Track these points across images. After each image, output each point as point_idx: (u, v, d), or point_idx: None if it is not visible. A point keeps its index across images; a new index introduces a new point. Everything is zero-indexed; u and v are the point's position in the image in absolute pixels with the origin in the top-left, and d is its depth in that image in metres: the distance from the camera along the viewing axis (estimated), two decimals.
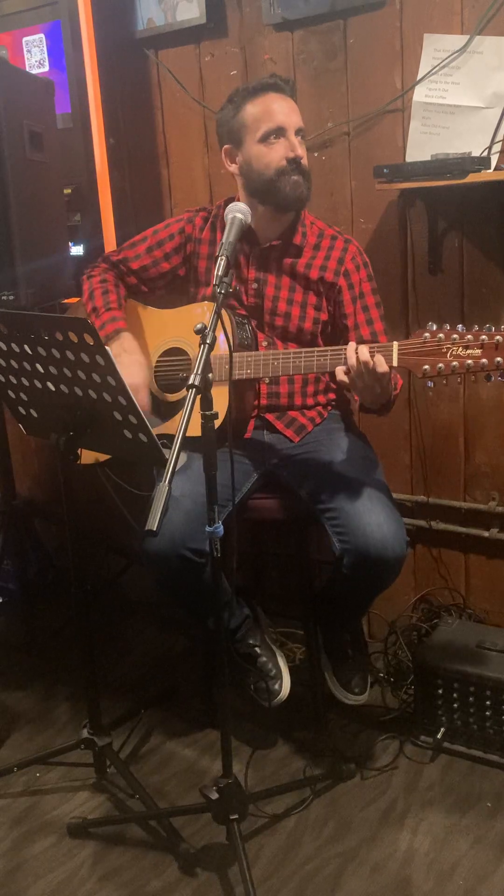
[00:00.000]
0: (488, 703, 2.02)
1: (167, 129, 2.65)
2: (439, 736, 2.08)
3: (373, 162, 2.18)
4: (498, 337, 1.59)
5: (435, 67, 2.14)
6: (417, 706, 2.15)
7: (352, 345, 1.72)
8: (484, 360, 1.61)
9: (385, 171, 2.09)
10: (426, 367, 1.65)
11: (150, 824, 1.92)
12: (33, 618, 2.71)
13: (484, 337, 1.61)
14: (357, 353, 1.69)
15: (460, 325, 1.64)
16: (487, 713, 2.03)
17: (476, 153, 2.07)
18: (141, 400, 1.97)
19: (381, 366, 1.68)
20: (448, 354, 1.64)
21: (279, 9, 2.32)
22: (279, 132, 1.94)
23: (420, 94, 2.18)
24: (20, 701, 2.45)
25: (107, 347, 1.49)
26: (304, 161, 1.96)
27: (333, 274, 2.03)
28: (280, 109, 1.94)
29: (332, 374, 1.79)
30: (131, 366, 1.99)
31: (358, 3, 2.21)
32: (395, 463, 2.47)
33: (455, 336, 1.63)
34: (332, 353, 1.79)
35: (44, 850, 1.89)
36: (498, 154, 2.10)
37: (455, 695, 2.06)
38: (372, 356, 1.68)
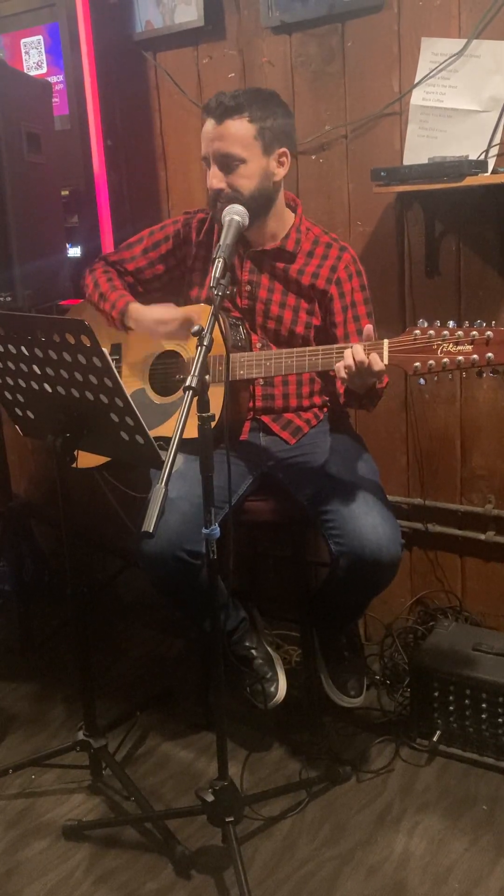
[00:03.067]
0: (484, 705, 2.02)
1: (165, 132, 2.65)
2: (435, 739, 2.08)
3: (370, 165, 2.19)
4: (488, 332, 1.59)
5: (432, 71, 2.14)
6: (413, 709, 2.15)
7: (348, 351, 1.72)
8: (475, 356, 1.61)
9: (382, 173, 2.10)
10: (417, 364, 1.65)
11: (146, 826, 1.92)
12: (29, 619, 2.70)
13: (474, 333, 1.60)
14: (353, 353, 1.69)
15: (451, 322, 1.64)
16: (483, 716, 2.03)
17: (473, 156, 2.08)
18: (175, 311, 2.01)
19: (377, 364, 1.68)
20: (439, 351, 1.64)
21: (277, 12, 2.33)
22: (206, 161, 1.93)
23: (417, 98, 2.18)
24: (16, 702, 2.45)
25: (103, 349, 1.49)
26: (230, 190, 1.89)
27: (325, 281, 2.02)
28: (204, 137, 1.92)
29: (324, 373, 1.78)
30: (155, 308, 2.05)
31: (356, 6, 2.22)
32: (392, 465, 2.47)
33: (445, 332, 1.63)
34: (323, 353, 1.79)
35: (39, 853, 1.89)
36: (495, 157, 2.11)
37: (451, 697, 2.06)
38: (367, 354, 1.69)
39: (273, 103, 1.93)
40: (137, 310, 2.06)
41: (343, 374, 1.71)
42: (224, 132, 1.89)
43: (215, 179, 1.91)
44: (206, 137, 1.92)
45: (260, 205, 1.95)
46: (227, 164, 1.90)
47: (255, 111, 1.89)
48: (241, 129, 1.88)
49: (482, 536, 2.39)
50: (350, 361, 1.69)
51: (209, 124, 1.91)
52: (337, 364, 1.72)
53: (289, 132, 1.97)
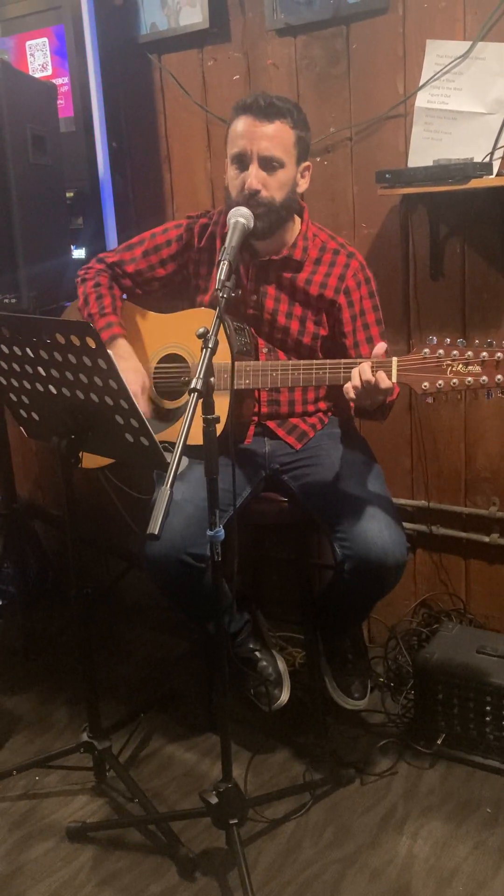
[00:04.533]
0: (488, 708, 2.02)
1: (170, 134, 2.66)
2: (439, 741, 2.08)
3: (375, 167, 2.19)
4: (498, 354, 1.58)
5: (437, 73, 2.14)
6: (417, 711, 2.15)
7: (355, 371, 1.71)
8: (484, 378, 1.60)
9: (387, 176, 2.10)
10: (425, 384, 1.65)
11: (150, 828, 1.92)
12: (32, 621, 2.70)
13: (484, 354, 1.59)
14: (360, 373, 1.69)
15: (461, 340, 1.63)
16: (487, 719, 2.03)
17: (478, 159, 2.08)
18: (141, 407, 1.97)
19: (384, 382, 1.67)
20: (448, 371, 1.63)
21: (282, 14, 2.33)
22: (241, 160, 1.89)
23: (422, 100, 2.18)
24: (19, 704, 2.45)
25: (108, 351, 1.49)
26: (267, 193, 1.88)
27: (334, 291, 2.01)
28: (247, 135, 1.87)
29: (331, 388, 1.77)
30: (127, 372, 1.99)
31: (360, 8, 2.22)
32: (396, 467, 2.47)
33: (455, 352, 1.62)
34: (330, 367, 1.79)
35: (43, 854, 1.89)
36: (500, 160, 2.10)
37: (455, 700, 2.06)
38: (374, 372, 1.68)
39: (304, 116, 1.95)
40: (117, 356, 1.96)
41: (352, 394, 1.71)
42: (273, 132, 1.87)
43: (255, 179, 1.87)
44: (248, 135, 1.87)
45: (283, 216, 1.95)
46: (268, 165, 1.88)
47: (297, 119, 1.90)
48: (285, 132, 1.89)
49: (486, 539, 2.39)
50: (357, 382, 1.68)
51: (251, 122, 1.87)
52: (345, 385, 1.72)
53: (309, 147, 1.99)
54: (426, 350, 1.64)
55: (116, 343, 2.04)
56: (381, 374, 1.67)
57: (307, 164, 1.97)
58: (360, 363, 1.70)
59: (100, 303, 2.09)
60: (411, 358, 1.66)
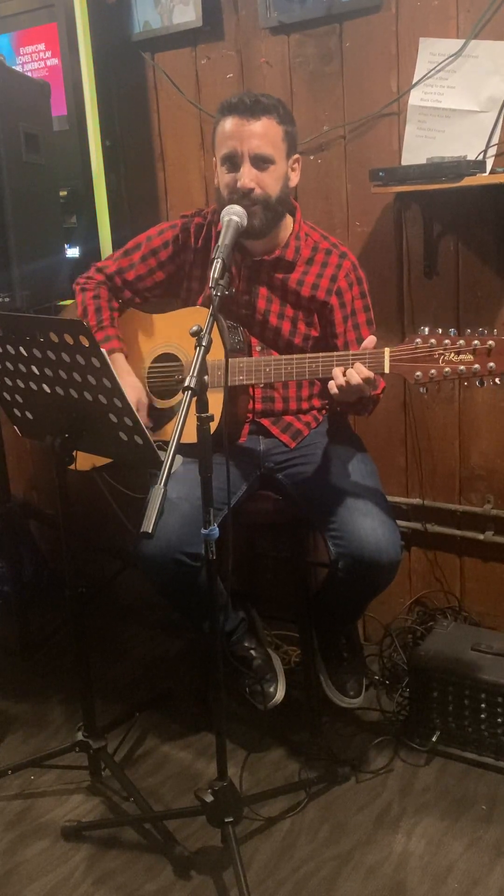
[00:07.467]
0: (483, 705, 2.02)
1: (163, 132, 2.65)
2: (434, 739, 2.08)
3: (368, 165, 2.19)
4: (490, 342, 1.59)
5: (430, 71, 2.15)
6: (412, 709, 2.15)
7: (337, 370, 1.71)
8: (476, 366, 1.61)
9: (381, 174, 2.10)
10: (418, 373, 1.65)
11: (145, 827, 1.92)
12: (28, 620, 2.70)
13: (476, 342, 1.60)
14: (357, 372, 1.68)
15: (452, 330, 1.64)
16: (482, 716, 2.03)
17: (471, 157, 2.08)
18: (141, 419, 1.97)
19: (364, 372, 1.68)
20: (440, 360, 1.63)
21: (275, 12, 2.33)
22: (231, 160, 1.88)
23: (415, 98, 2.18)
24: (15, 704, 2.45)
25: (102, 350, 1.49)
26: (261, 190, 1.87)
27: (325, 292, 2.00)
28: (236, 135, 1.86)
29: (325, 385, 1.78)
30: (126, 388, 1.98)
31: (354, 6, 2.22)
32: (391, 465, 2.48)
33: (447, 341, 1.63)
34: (323, 359, 1.78)
35: (38, 854, 1.89)
36: (493, 157, 2.11)
37: (450, 697, 2.06)
38: (351, 365, 1.69)
39: (289, 111, 1.94)
40: (118, 365, 2.02)
41: (335, 390, 1.71)
42: (261, 130, 1.86)
43: (248, 178, 1.86)
44: (237, 135, 1.86)
45: (279, 212, 1.95)
46: (259, 164, 1.88)
47: (282, 114, 1.90)
48: (272, 128, 1.88)
49: (481, 536, 2.40)
50: (341, 381, 1.68)
51: (238, 121, 1.86)
52: (329, 384, 1.72)
53: (297, 141, 1.99)
54: (418, 340, 1.65)
55: (113, 358, 2.02)
56: (359, 366, 1.67)
57: (296, 156, 1.97)
58: (350, 359, 1.70)
59: (98, 315, 2.09)
60: (403, 348, 1.67)
